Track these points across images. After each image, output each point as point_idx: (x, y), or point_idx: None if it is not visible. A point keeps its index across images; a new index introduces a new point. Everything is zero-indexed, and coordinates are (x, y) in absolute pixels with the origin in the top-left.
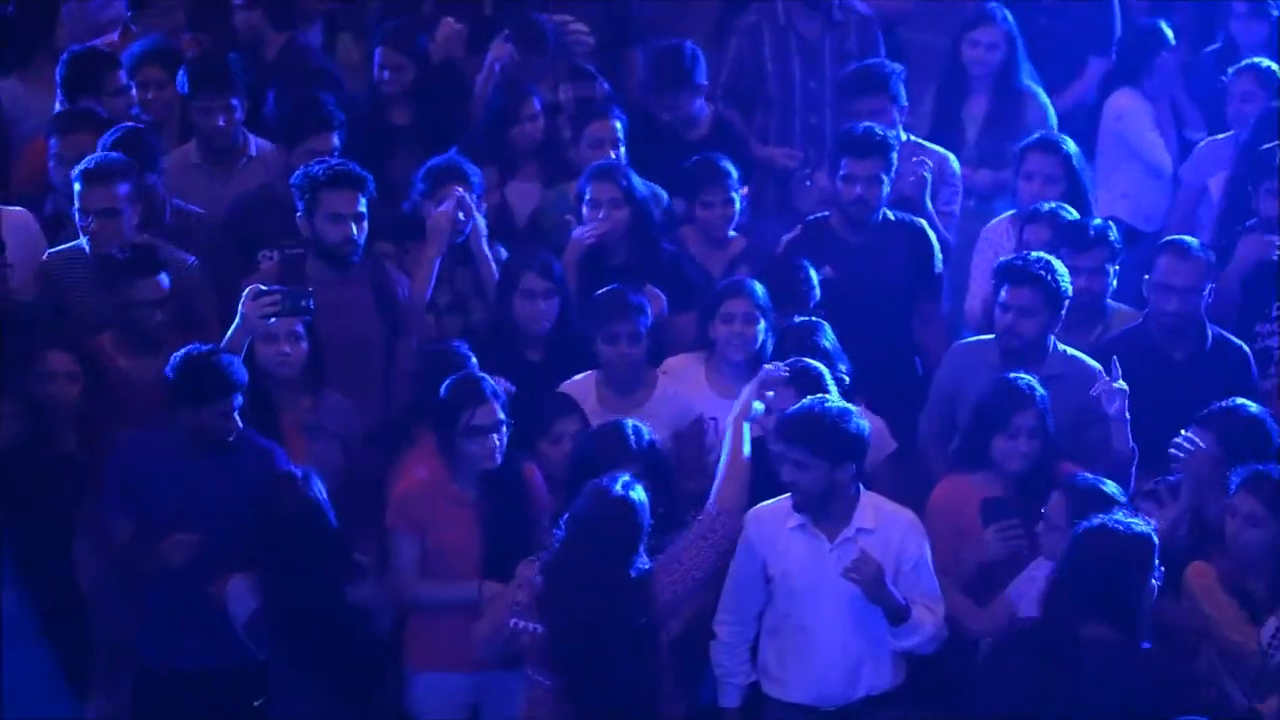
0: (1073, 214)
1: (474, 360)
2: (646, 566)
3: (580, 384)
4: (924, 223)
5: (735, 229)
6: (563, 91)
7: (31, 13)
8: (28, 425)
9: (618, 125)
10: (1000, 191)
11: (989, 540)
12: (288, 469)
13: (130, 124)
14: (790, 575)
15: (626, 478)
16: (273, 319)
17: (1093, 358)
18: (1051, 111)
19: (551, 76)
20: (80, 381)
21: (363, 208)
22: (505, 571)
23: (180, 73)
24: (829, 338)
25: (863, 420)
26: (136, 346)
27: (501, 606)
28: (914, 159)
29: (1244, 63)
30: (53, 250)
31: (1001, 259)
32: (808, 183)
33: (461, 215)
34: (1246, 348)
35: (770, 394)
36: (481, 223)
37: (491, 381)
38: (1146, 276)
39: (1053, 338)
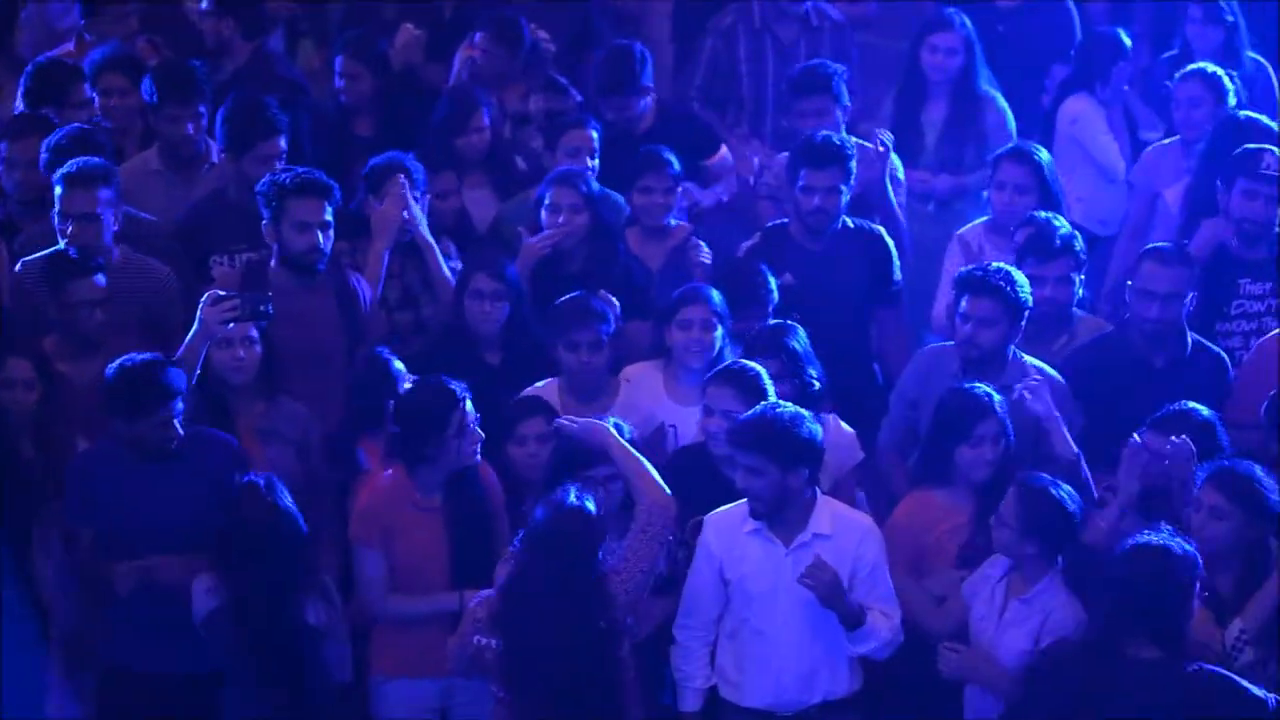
0: (1064, 224)
1: (397, 365)
2: (602, 570)
3: (542, 391)
4: (882, 230)
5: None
6: (534, 102)
7: None
8: None
9: (593, 135)
10: (960, 196)
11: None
12: (250, 478)
13: (79, 125)
14: (747, 580)
15: (576, 489)
16: (231, 324)
17: (1071, 363)
18: (1010, 117)
19: (523, 84)
20: (37, 389)
21: (329, 216)
22: (473, 575)
23: (145, 80)
24: (800, 340)
25: (815, 425)
26: (76, 349)
27: (468, 622)
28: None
29: (1190, 68)
30: (27, 259)
31: (961, 269)
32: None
33: (405, 213)
34: (1225, 355)
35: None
36: (419, 214)
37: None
38: (1130, 282)
39: (1013, 347)
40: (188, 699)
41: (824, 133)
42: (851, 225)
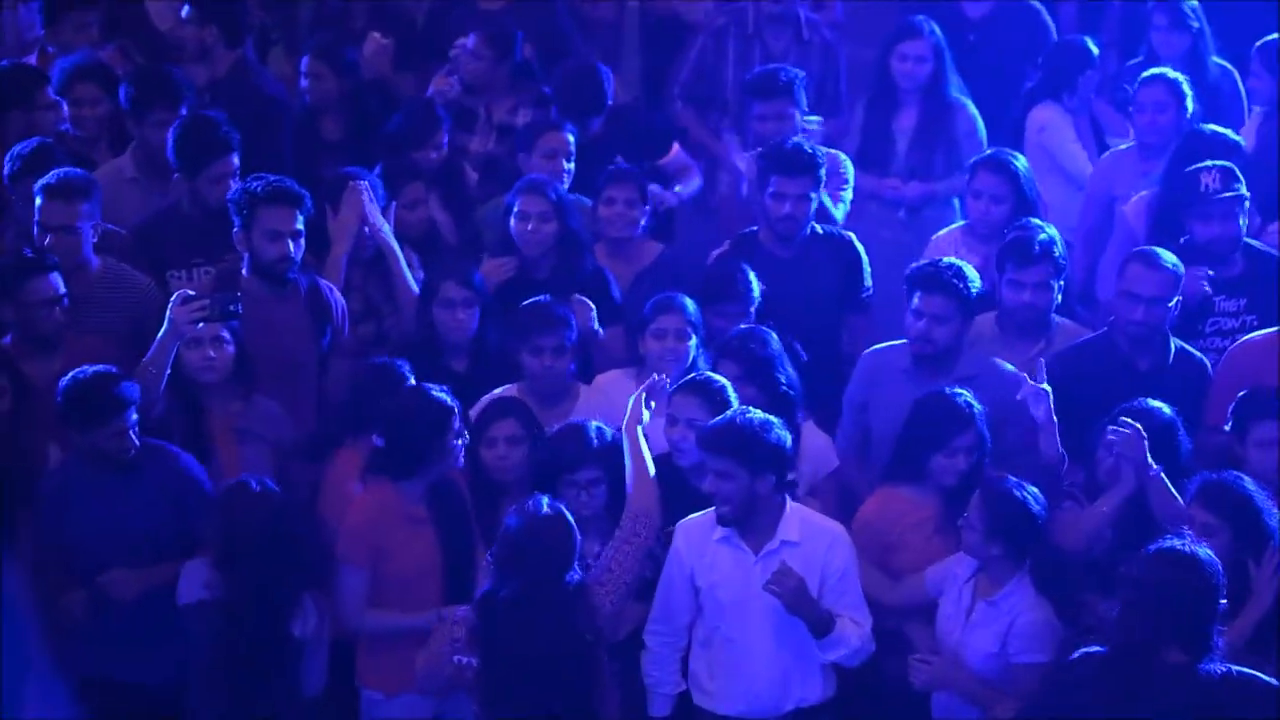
0: (1053, 232)
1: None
2: (581, 579)
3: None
4: (852, 236)
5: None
6: (521, 115)
7: None
8: None
9: (570, 138)
10: (930, 203)
11: None
12: (241, 479)
13: (41, 139)
14: (716, 588)
15: (548, 498)
16: (200, 324)
17: (1056, 366)
18: (980, 124)
19: (513, 98)
20: (9, 394)
21: (300, 225)
22: (462, 584)
23: (122, 87)
24: (771, 345)
25: (784, 431)
26: (34, 349)
27: (441, 641)
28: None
29: (1153, 72)
30: None
31: (912, 266)
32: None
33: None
34: (1207, 361)
35: (653, 404)
36: (381, 220)
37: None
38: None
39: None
40: (144, 709)
41: (794, 140)
42: (821, 232)
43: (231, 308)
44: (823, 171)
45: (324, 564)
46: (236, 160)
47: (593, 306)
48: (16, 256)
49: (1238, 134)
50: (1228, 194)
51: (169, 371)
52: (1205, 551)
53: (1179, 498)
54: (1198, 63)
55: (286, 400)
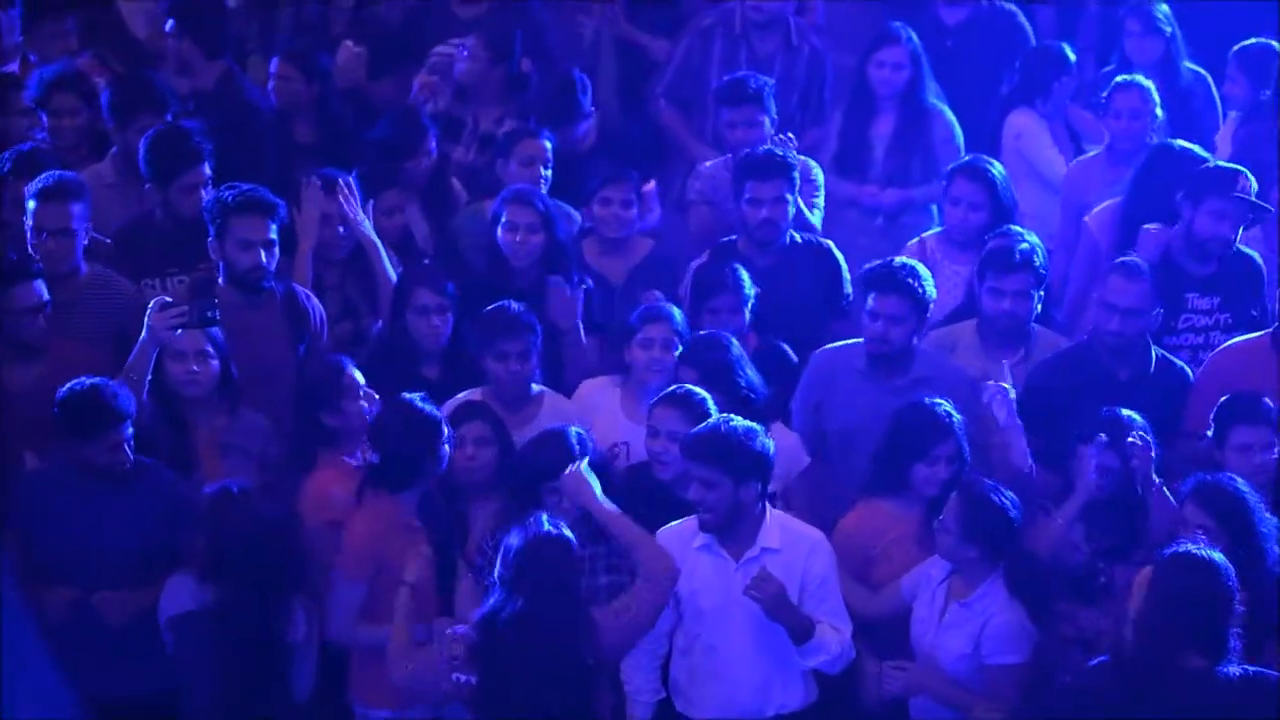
0: (1034, 239)
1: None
2: (584, 599)
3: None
4: (831, 244)
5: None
6: (505, 126)
7: None
8: None
9: (547, 145)
10: (907, 209)
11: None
12: (223, 485)
13: (27, 144)
14: (697, 595)
15: (548, 517)
16: (179, 330)
17: (1037, 375)
18: (958, 130)
19: (501, 108)
20: None
21: (273, 234)
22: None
23: (103, 95)
24: (734, 349)
25: (768, 439)
26: (15, 355)
27: (439, 657)
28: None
29: (1128, 78)
30: None
31: (866, 266)
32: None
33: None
34: (1189, 369)
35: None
36: (361, 214)
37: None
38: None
39: (916, 341)
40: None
41: (764, 146)
42: (800, 240)
43: (210, 314)
44: (796, 174)
45: (308, 570)
46: (208, 170)
47: (568, 288)
48: (2, 261)
49: (1213, 139)
50: (1255, 201)
51: (150, 378)
52: (1219, 555)
53: (1174, 502)
54: (1171, 68)
55: (264, 408)
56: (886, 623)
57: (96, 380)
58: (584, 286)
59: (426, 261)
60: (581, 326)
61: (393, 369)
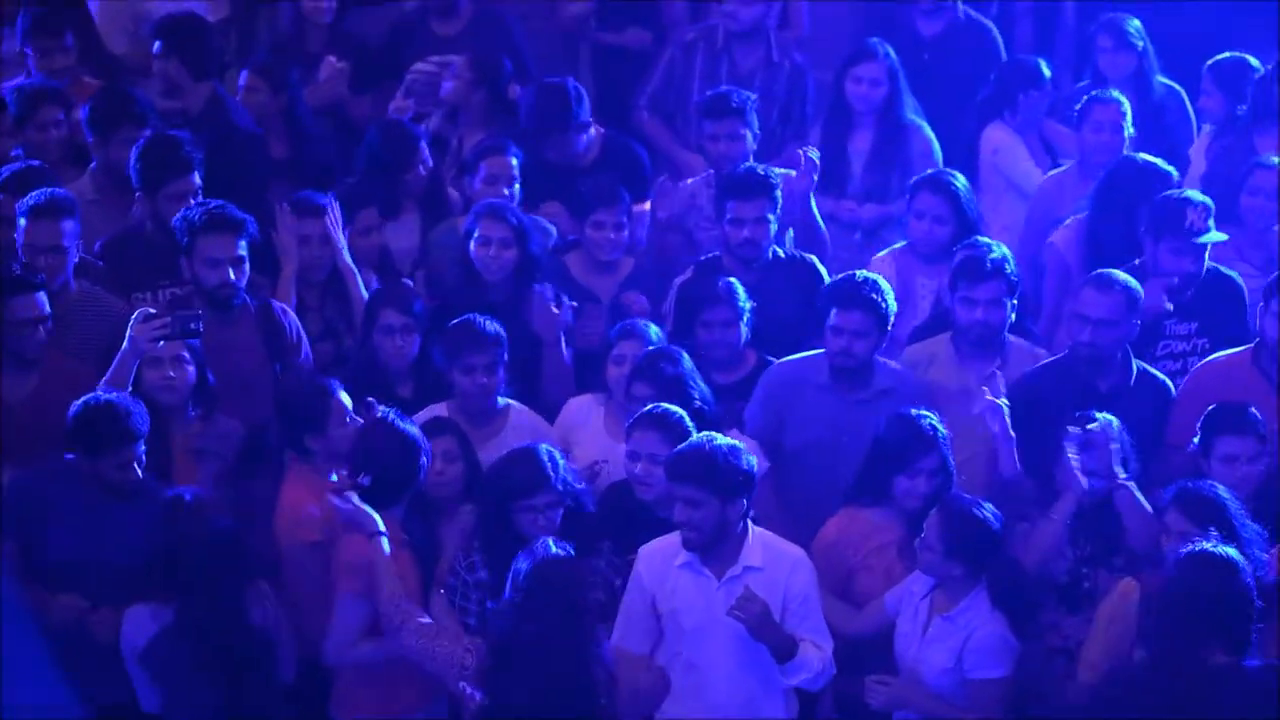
0: (1004, 251)
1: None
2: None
3: (434, 414)
4: (814, 259)
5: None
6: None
7: None
8: None
9: (513, 161)
10: (886, 224)
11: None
12: (174, 493)
13: (21, 163)
14: (679, 614)
15: (554, 540)
16: (161, 342)
17: (1016, 388)
18: (936, 146)
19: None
20: None
21: (242, 251)
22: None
23: (83, 109)
24: (685, 363)
25: (751, 456)
26: (12, 367)
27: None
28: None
29: (1100, 92)
30: None
31: (829, 282)
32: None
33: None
34: (1170, 383)
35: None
36: (342, 240)
37: None
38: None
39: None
40: None
41: (746, 165)
42: (784, 255)
43: (193, 326)
44: (778, 193)
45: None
46: (197, 179)
47: (551, 299)
48: (4, 272)
49: (1186, 153)
50: (1207, 236)
51: (129, 390)
52: (1234, 551)
53: (1149, 507)
54: (1143, 83)
55: (243, 421)
56: (871, 638)
57: (113, 396)
58: (571, 305)
59: (408, 281)
60: (564, 341)
61: (367, 389)
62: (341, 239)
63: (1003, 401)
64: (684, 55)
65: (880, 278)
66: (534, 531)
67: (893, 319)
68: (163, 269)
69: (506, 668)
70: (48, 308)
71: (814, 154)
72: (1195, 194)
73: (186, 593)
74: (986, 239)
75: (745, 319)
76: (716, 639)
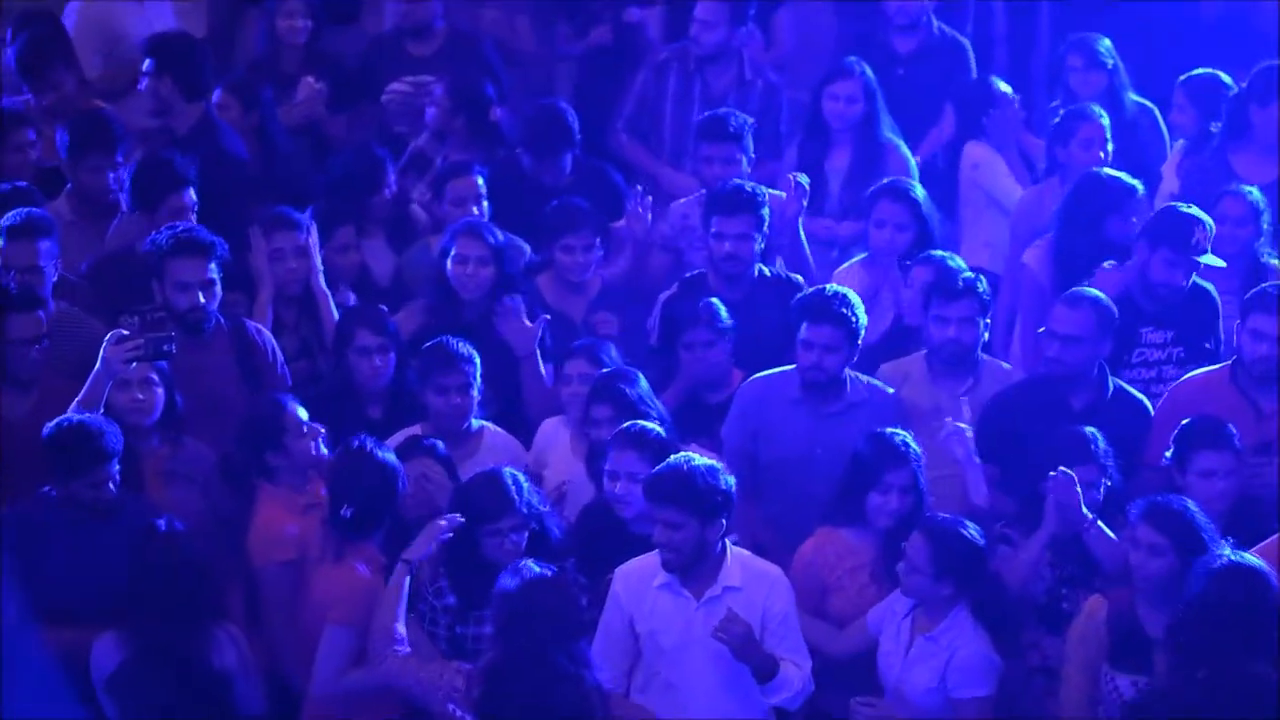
0: (960, 263)
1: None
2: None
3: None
4: (800, 279)
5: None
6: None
7: None
8: None
9: (479, 181)
10: (862, 242)
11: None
12: (151, 521)
13: (7, 185)
14: (657, 634)
15: (534, 561)
16: (134, 364)
17: (992, 405)
18: (913, 164)
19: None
20: None
21: (212, 274)
22: None
23: (58, 133)
24: (641, 384)
25: (729, 476)
26: (10, 384)
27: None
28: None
29: (1082, 107)
30: None
31: (799, 296)
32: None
33: (294, 264)
34: (1147, 401)
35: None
36: (317, 263)
37: None
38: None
39: (848, 370)
40: None
41: (735, 181)
42: (769, 274)
43: (166, 348)
44: (765, 211)
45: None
46: (193, 195)
47: (522, 311)
48: (2, 290)
49: (1159, 170)
50: (1206, 258)
51: (100, 411)
52: (1258, 560)
53: (1114, 537)
54: (1115, 101)
55: (215, 443)
56: (853, 658)
57: (85, 417)
58: (545, 318)
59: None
60: (539, 355)
61: (338, 409)
62: (318, 261)
63: (965, 427)
64: (656, 77)
65: (851, 292)
66: (499, 555)
67: (863, 333)
68: (151, 291)
69: (501, 690)
70: (44, 327)
71: (803, 179)
72: (1200, 213)
73: (148, 625)
74: (944, 253)
75: (728, 337)
76: (695, 659)
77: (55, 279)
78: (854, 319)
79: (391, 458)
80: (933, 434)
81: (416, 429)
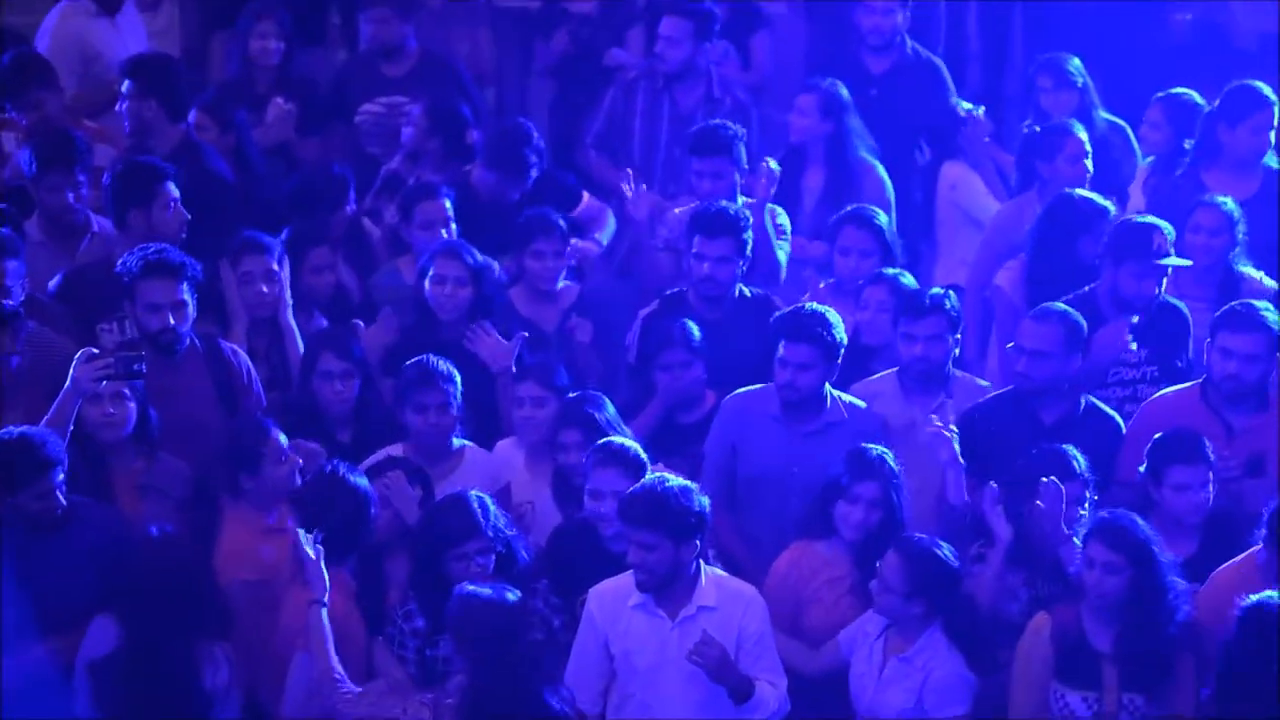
0: (912, 281)
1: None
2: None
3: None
4: (779, 299)
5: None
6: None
7: None
8: None
9: (447, 204)
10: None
11: None
12: (146, 531)
13: None
14: (632, 655)
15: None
16: (104, 382)
17: (963, 420)
18: (889, 185)
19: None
20: None
21: (184, 295)
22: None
23: (25, 151)
24: (609, 408)
25: (703, 497)
26: None
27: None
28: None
29: (1066, 123)
30: None
31: (777, 314)
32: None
33: (264, 287)
34: (1119, 419)
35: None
36: (287, 296)
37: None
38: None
39: (828, 386)
40: None
41: (721, 202)
42: (749, 294)
43: (136, 367)
44: (748, 235)
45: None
46: (174, 190)
47: (492, 331)
48: None
49: (1128, 188)
50: (1169, 260)
51: (71, 428)
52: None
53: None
54: (1086, 119)
55: (191, 463)
56: (825, 677)
57: (24, 429)
58: (522, 335)
59: (357, 321)
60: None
61: (306, 434)
62: (288, 295)
63: (951, 430)
64: (625, 94)
65: (830, 311)
66: (466, 579)
67: (842, 352)
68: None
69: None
70: (19, 344)
71: (774, 165)
72: (1156, 220)
73: (145, 629)
74: (895, 270)
75: (702, 357)
76: (671, 680)
77: (23, 298)
78: (830, 338)
79: (363, 482)
80: (905, 450)
81: (398, 448)
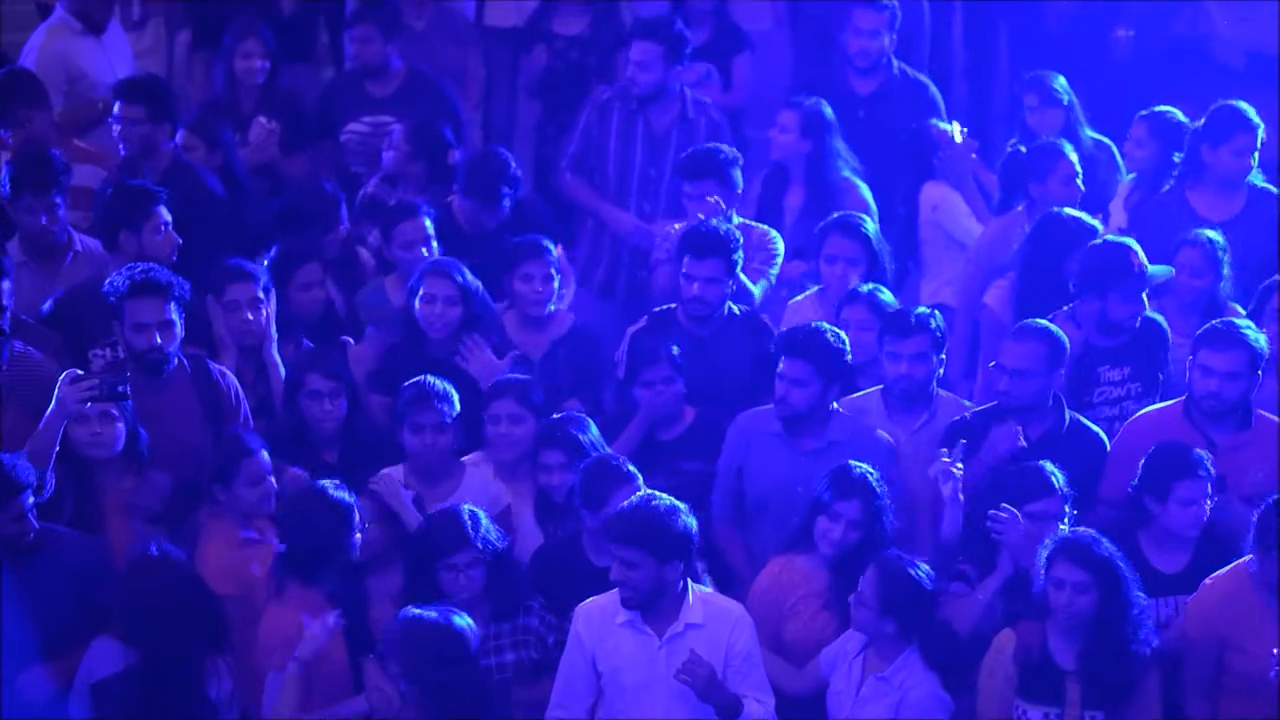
0: (890, 297)
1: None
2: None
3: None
4: (767, 318)
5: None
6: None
7: None
8: None
9: (427, 223)
10: (813, 280)
11: None
12: (154, 549)
13: None
14: (619, 672)
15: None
16: (89, 404)
17: (946, 436)
18: (872, 206)
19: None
20: None
21: (171, 315)
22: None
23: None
24: (592, 430)
25: (690, 518)
26: None
27: None
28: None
29: (1056, 142)
30: None
31: (781, 329)
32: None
33: (250, 314)
34: (1104, 436)
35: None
36: (272, 331)
37: None
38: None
39: (834, 404)
40: None
41: (712, 222)
42: (738, 312)
43: (120, 389)
44: (738, 255)
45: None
46: (168, 214)
47: (485, 346)
48: None
49: (1108, 205)
50: (1154, 270)
51: (58, 448)
52: None
53: None
54: (1072, 137)
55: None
56: (806, 697)
57: None
58: (514, 354)
59: (347, 339)
60: None
61: (291, 455)
62: (274, 330)
63: (958, 468)
64: (599, 116)
65: (835, 330)
66: (456, 590)
67: (841, 368)
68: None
69: None
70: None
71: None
72: (1126, 240)
73: (148, 647)
74: (871, 285)
75: (682, 373)
76: (658, 698)
77: (8, 319)
78: (830, 356)
79: (346, 497)
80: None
81: (398, 469)
